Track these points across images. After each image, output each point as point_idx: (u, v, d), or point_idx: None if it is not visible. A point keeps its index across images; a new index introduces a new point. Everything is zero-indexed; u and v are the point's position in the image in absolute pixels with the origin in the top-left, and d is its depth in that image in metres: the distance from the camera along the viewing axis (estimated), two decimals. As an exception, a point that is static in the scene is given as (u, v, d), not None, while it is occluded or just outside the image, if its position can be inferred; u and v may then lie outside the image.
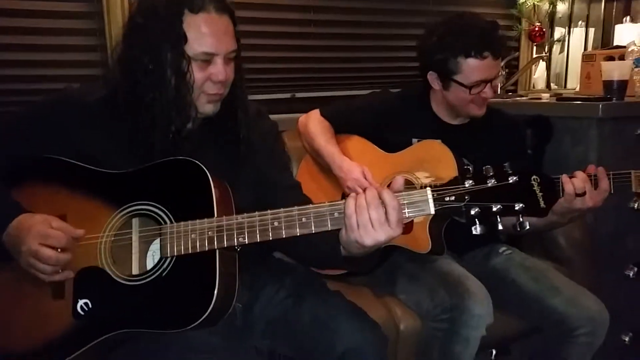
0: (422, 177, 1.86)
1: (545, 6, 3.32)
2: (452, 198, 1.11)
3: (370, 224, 1.11)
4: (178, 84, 1.27)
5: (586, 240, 2.21)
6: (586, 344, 1.79)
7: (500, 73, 1.93)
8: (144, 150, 1.30)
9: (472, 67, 1.83)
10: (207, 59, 1.29)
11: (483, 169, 1.11)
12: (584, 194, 1.52)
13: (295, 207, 1.17)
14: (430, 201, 1.12)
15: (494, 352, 2.01)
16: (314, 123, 2.01)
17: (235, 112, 1.40)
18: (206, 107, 1.34)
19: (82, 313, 1.24)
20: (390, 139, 1.97)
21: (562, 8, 3.44)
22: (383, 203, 1.11)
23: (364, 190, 1.15)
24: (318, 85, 2.82)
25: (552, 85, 3.43)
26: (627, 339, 2.41)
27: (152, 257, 1.26)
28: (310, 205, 1.18)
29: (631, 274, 2.39)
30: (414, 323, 1.83)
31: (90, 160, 1.32)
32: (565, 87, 3.49)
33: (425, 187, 1.13)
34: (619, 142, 2.30)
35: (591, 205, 1.55)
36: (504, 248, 2.04)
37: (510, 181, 1.09)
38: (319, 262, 1.47)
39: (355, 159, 1.94)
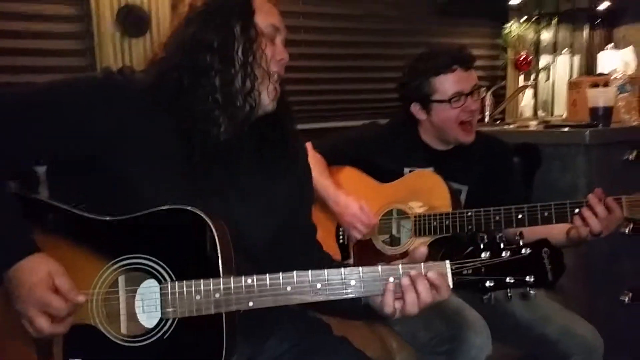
0: (416, 207, 1.87)
1: (530, 35, 3.39)
2: (469, 271, 1.13)
3: (414, 308, 1.13)
4: (245, 54, 1.22)
5: (580, 266, 2.21)
6: (581, 372, 1.78)
7: (478, 87, 1.97)
8: (184, 150, 1.21)
9: (444, 83, 1.90)
10: (272, 36, 1.27)
11: (496, 238, 1.14)
12: (599, 234, 1.60)
13: (309, 272, 1.13)
14: (449, 275, 1.13)
15: (491, 382, 2.00)
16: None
17: (283, 120, 1.36)
18: (266, 95, 1.26)
19: None
20: (382, 170, 1.98)
21: (546, 37, 3.51)
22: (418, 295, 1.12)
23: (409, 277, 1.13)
24: (309, 118, 2.84)
25: (540, 113, 3.49)
26: (624, 365, 2.39)
27: (144, 315, 1.16)
28: (325, 271, 1.13)
29: (626, 300, 2.39)
30: (410, 356, 1.82)
31: (117, 158, 1.19)
32: (552, 114, 3.54)
33: (444, 259, 1.15)
34: (607, 167, 2.33)
35: (606, 235, 1.62)
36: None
37: (523, 253, 1.12)
38: (335, 312, 1.38)
39: (349, 190, 1.94)
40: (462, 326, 1.70)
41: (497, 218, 1.71)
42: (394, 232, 1.92)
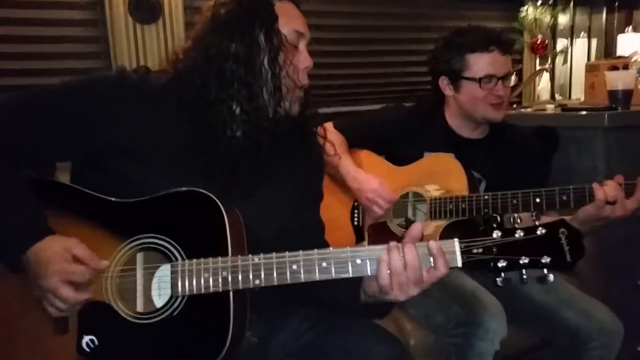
0: (432, 190, 1.86)
1: (547, 18, 3.34)
2: (480, 250, 1.09)
3: (407, 284, 1.10)
4: (272, 64, 1.22)
5: (597, 251, 2.19)
6: (600, 357, 1.76)
7: (511, 73, 1.93)
8: (195, 149, 1.22)
9: (479, 61, 1.85)
10: (296, 42, 1.27)
11: (511, 218, 1.11)
12: (614, 202, 1.53)
13: (315, 251, 1.14)
14: (458, 254, 1.10)
15: (506, 365, 1.99)
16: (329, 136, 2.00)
17: (305, 126, 1.36)
18: (293, 105, 1.28)
19: (88, 350, 1.17)
20: (403, 153, 1.97)
21: (563, 20, 3.46)
22: (405, 264, 1.10)
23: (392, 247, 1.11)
24: (328, 102, 2.84)
25: (557, 96, 3.44)
26: (641, 350, 2.38)
27: (158, 293, 1.19)
28: (331, 250, 1.14)
29: (643, 283, 2.36)
30: (425, 338, 1.82)
31: (130, 155, 1.21)
32: (569, 97, 3.50)
33: (447, 226, 1.12)
34: (626, 150, 2.30)
35: (620, 215, 1.56)
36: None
37: (538, 233, 1.09)
38: (333, 309, 1.35)
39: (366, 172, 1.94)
40: (478, 309, 1.69)
41: (515, 202, 1.69)
42: (410, 214, 1.92)
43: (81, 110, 1.22)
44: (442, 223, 1.81)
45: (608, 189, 1.54)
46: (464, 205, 1.77)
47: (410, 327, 1.84)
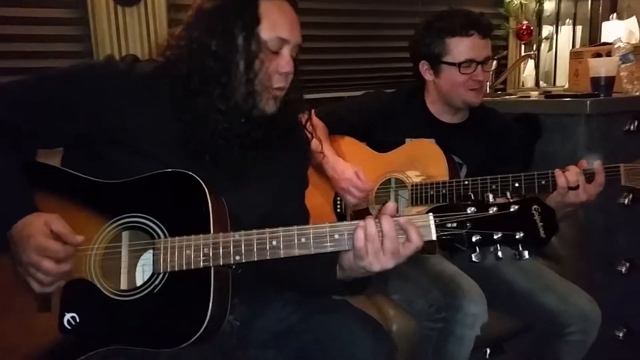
0: (413, 176, 1.87)
1: (533, 4, 3.34)
2: (454, 224, 1.10)
3: (381, 252, 1.11)
4: (247, 69, 1.22)
5: (577, 237, 2.21)
6: (579, 342, 1.79)
7: (491, 58, 1.92)
8: (182, 137, 1.25)
9: (459, 45, 1.85)
10: (277, 48, 1.25)
11: (485, 196, 1.12)
12: (577, 187, 1.54)
13: (295, 227, 1.16)
14: (432, 227, 1.11)
15: (488, 350, 2.01)
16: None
17: (290, 117, 1.36)
18: (267, 105, 1.28)
19: (69, 327, 1.19)
20: (384, 140, 1.97)
21: (549, 6, 3.46)
22: (383, 235, 1.10)
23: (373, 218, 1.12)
24: (312, 88, 2.82)
25: (541, 83, 3.45)
26: (620, 334, 2.41)
27: (142, 272, 1.22)
28: (310, 226, 1.16)
29: (623, 270, 2.39)
30: (407, 323, 1.83)
31: (117, 142, 1.24)
32: (554, 84, 3.50)
33: (428, 212, 1.12)
34: (607, 138, 2.31)
35: (585, 199, 1.57)
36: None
37: (512, 210, 1.10)
38: (310, 288, 1.37)
39: (348, 159, 1.94)
40: (458, 294, 1.70)
41: (494, 187, 1.70)
42: (392, 201, 1.92)
43: (78, 96, 1.24)
44: (423, 209, 1.81)
45: (569, 175, 1.57)
46: (444, 191, 1.78)
47: (393, 312, 1.85)
